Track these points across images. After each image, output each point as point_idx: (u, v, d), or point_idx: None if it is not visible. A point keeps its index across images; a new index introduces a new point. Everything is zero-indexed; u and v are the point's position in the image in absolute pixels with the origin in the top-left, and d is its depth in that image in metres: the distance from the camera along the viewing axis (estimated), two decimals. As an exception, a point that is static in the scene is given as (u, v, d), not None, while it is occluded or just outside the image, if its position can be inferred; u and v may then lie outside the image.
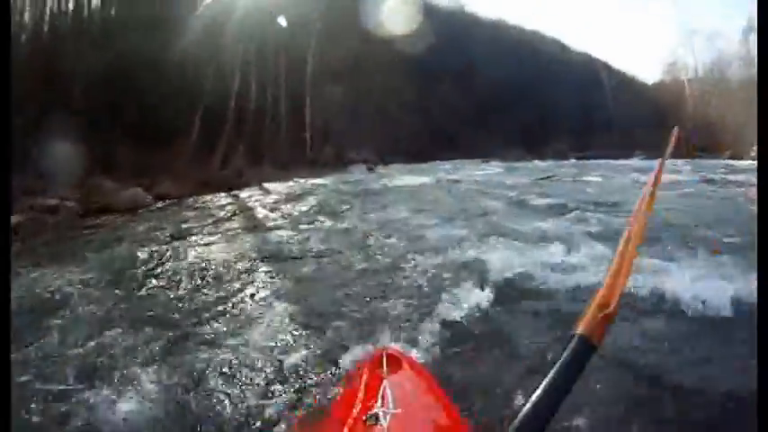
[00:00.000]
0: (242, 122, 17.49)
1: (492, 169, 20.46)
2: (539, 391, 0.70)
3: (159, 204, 10.65)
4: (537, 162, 25.99)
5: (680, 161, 19.06)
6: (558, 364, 0.72)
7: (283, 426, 2.05)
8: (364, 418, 1.00)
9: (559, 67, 54.06)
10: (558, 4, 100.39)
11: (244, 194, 11.98)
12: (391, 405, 1.03)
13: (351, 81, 27.08)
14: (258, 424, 2.09)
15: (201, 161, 14.80)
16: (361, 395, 1.17)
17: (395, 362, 1.33)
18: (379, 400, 1.06)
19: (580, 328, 0.75)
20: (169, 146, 13.70)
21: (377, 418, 0.98)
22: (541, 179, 14.62)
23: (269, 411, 2.16)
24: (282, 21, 18.83)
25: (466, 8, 54.66)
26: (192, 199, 11.25)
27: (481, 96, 42.88)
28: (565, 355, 0.73)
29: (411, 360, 1.53)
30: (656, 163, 1.07)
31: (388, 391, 1.09)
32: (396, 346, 1.93)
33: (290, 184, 14.44)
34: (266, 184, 13.84)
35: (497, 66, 47.58)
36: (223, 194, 11.89)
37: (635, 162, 22.98)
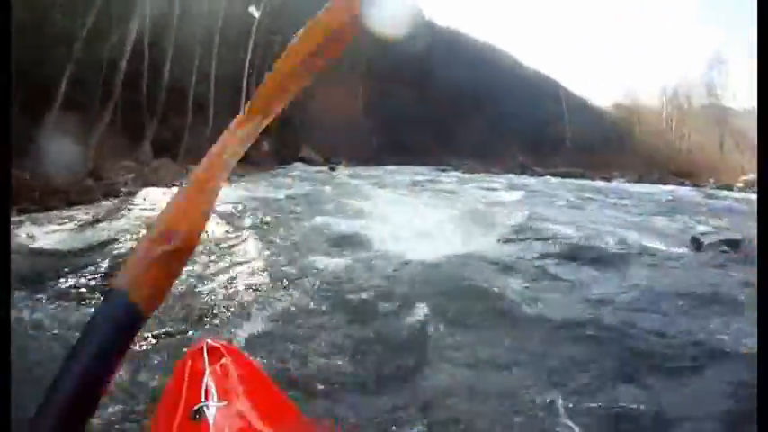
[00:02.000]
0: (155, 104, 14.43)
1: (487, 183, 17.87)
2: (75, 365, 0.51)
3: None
4: (517, 178, 23.38)
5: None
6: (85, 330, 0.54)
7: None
8: (189, 414, 0.96)
9: (515, 80, 54.30)
10: (512, 22, 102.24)
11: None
12: (215, 398, 1.00)
13: None
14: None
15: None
16: (184, 390, 1.10)
17: (215, 352, 1.28)
18: (203, 395, 1.02)
19: (120, 282, 0.57)
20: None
21: (202, 412, 0.95)
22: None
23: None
24: (254, 11, 18.07)
25: (424, 15, 53.68)
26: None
27: (437, 103, 41.38)
28: (98, 316, 0.55)
29: (232, 349, 1.39)
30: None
31: (211, 384, 1.06)
32: (216, 338, 1.45)
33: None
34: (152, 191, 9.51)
35: (454, 73, 46.94)
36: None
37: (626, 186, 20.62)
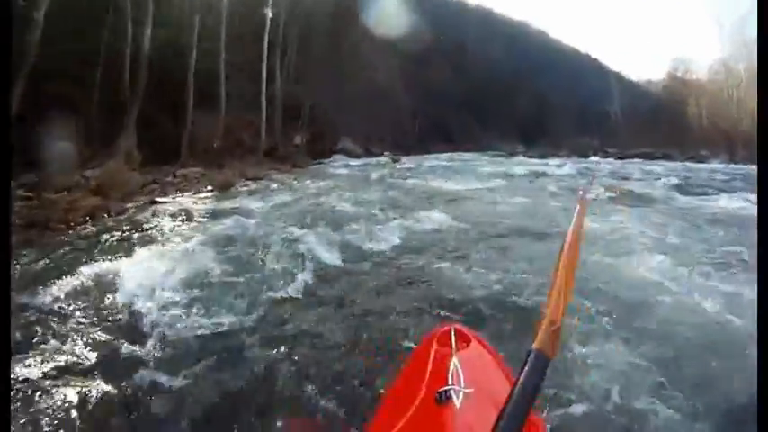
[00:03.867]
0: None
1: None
2: (508, 408, 0.70)
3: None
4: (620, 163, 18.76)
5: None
6: (521, 380, 0.72)
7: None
8: (435, 396, 0.96)
9: (554, 58, 51.25)
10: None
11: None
12: (463, 383, 0.99)
13: (332, 60, 21.72)
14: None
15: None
16: (428, 373, 1.10)
17: (463, 338, 1.27)
18: (450, 378, 1.00)
19: (536, 344, 0.76)
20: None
21: (448, 396, 0.94)
22: None
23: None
24: (269, 12, 17.03)
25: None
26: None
27: (474, 84, 38.63)
28: (526, 369, 0.73)
29: (479, 337, 1.35)
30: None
31: (459, 369, 1.04)
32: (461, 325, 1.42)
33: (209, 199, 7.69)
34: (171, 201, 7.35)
35: (489, 52, 44.32)
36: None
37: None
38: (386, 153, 21.39)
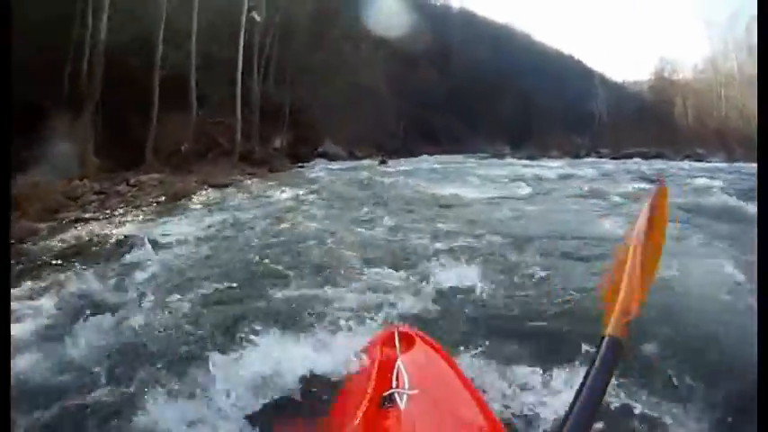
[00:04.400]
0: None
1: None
2: (582, 396, 0.70)
3: None
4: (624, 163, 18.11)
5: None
6: (595, 367, 0.73)
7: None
8: (379, 399, 0.94)
9: (537, 60, 51.10)
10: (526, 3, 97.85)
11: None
12: (407, 385, 0.97)
13: (313, 60, 20.79)
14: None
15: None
16: (373, 376, 1.08)
17: (408, 340, 1.26)
18: (394, 381, 1.00)
19: (609, 330, 0.78)
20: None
21: (392, 399, 0.93)
22: None
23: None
24: (256, 15, 16.81)
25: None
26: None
27: (459, 87, 38.04)
28: (600, 356, 0.75)
29: (425, 338, 1.35)
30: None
31: (403, 371, 1.03)
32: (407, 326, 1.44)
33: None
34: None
35: (473, 54, 43.91)
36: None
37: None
38: (381, 154, 20.66)
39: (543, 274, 3.20)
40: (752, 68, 30.27)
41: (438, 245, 4.08)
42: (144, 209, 6.89)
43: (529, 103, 42.49)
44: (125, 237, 4.65)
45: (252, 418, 1.61)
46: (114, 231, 5.16)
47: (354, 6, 26.10)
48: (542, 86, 45.06)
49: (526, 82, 43.92)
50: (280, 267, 3.53)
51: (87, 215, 6.13)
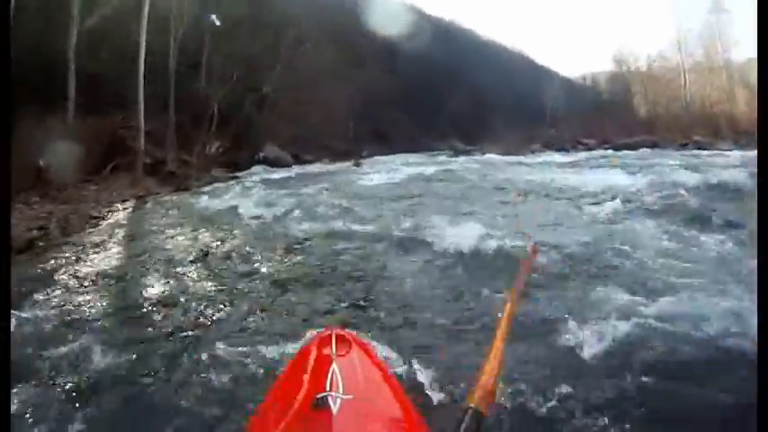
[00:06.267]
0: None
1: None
2: None
3: None
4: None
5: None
6: None
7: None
8: (312, 401, 0.92)
9: (485, 55, 50.62)
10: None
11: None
12: (341, 389, 0.95)
13: (249, 55, 18.32)
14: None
15: None
16: (308, 378, 1.05)
17: (344, 343, 1.22)
18: (328, 384, 0.97)
19: (474, 402, 0.82)
20: None
21: (325, 402, 0.90)
22: None
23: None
24: (216, 20, 16.56)
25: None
26: None
27: (408, 84, 36.48)
28: (463, 426, 0.79)
29: (362, 343, 1.32)
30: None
31: (338, 375, 1.01)
32: (346, 330, 1.39)
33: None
34: None
35: (420, 50, 42.62)
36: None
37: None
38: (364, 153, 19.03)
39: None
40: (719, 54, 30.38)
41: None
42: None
43: (479, 98, 41.63)
44: None
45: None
46: None
47: (295, 1, 23.95)
48: (492, 82, 44.42)
49: (475, 78, 43.09)
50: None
51: None
